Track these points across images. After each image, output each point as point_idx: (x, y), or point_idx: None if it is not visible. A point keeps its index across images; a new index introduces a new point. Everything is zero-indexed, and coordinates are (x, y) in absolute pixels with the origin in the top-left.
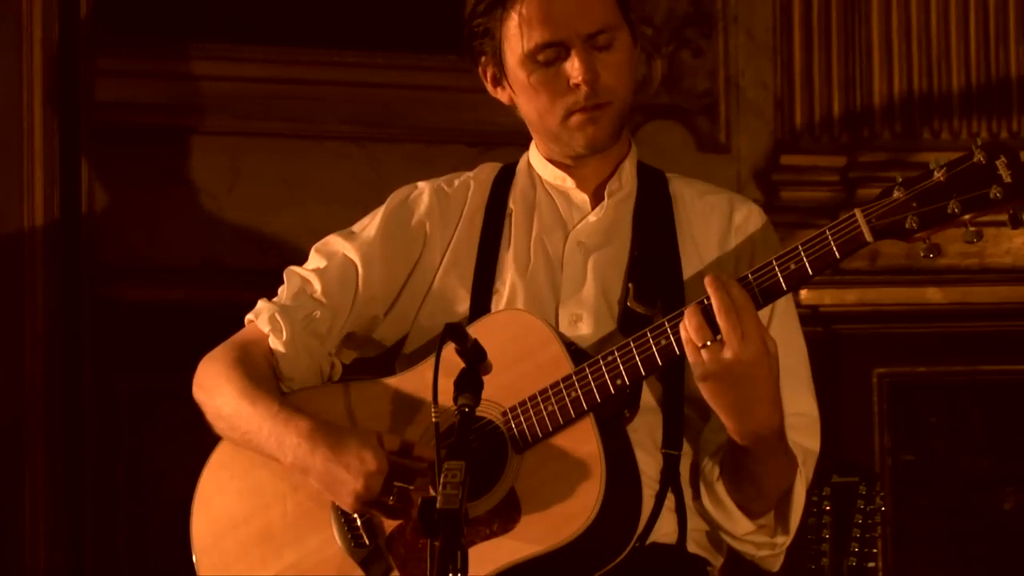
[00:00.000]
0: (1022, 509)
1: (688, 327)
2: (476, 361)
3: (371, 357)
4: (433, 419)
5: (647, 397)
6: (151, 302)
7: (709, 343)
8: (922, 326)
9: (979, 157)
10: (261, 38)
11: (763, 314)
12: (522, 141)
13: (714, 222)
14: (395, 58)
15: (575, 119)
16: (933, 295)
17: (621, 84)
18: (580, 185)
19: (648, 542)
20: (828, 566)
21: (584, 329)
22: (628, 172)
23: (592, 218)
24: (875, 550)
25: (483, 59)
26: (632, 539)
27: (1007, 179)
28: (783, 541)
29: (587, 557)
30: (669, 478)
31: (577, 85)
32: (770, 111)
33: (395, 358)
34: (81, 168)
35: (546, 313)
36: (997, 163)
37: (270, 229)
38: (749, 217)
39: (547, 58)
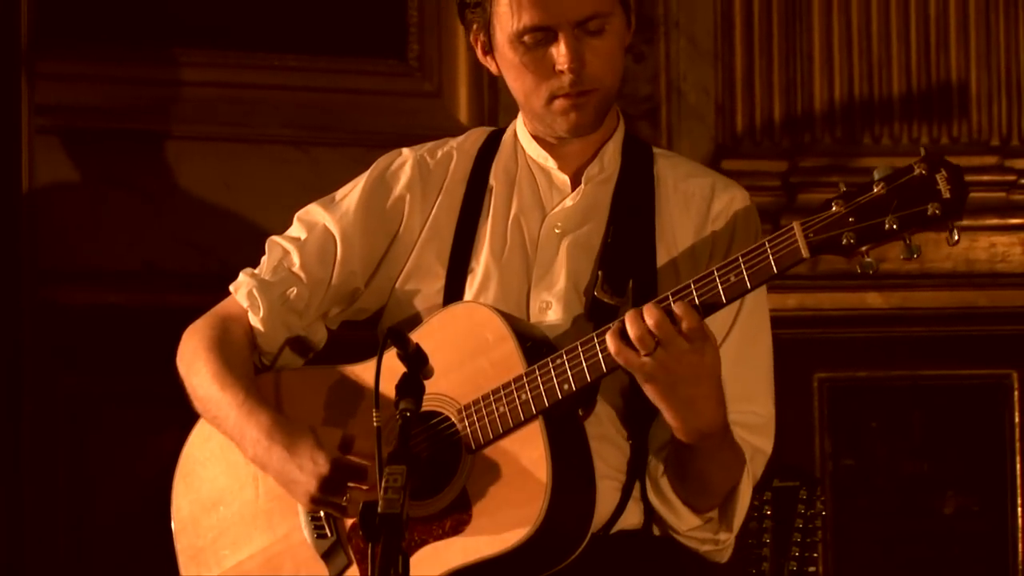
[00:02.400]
0: (962, 513)
1: (610, 349)
2: (417, 366)
3: (360, 321)
4: (375, 423)
5: (611, 387)
6: (92, 305)
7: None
8: (862, 331)
9: (920, 170)
10: (202, 42)
11: (731, 309)
12: None
13: (693, 211)
14: (337, 62)
15: (559, 104)
16: (873, 300)
17: (608, 72)
18: (562, 166)
19: (613, 531)
20: (768, 570)
21: (553, 317)
22: (611, 154)
23: (568, 202)
24: (816, 554)
25: (474, 27)
26: (582, 542)
27: (946, 195)
28: (725, 538)
29: (536, 559)
30: (636, 468)
31: (562, 71)
32: (711, 116)
33: (379, 323)
34: (22, 171)
35: (517, 299)
36: (937, 177)
37: (211, 233)
38: (729, 206)
39: (535, 40)
